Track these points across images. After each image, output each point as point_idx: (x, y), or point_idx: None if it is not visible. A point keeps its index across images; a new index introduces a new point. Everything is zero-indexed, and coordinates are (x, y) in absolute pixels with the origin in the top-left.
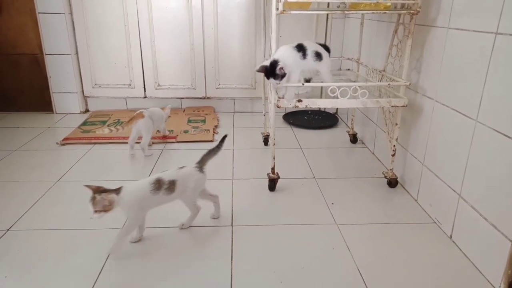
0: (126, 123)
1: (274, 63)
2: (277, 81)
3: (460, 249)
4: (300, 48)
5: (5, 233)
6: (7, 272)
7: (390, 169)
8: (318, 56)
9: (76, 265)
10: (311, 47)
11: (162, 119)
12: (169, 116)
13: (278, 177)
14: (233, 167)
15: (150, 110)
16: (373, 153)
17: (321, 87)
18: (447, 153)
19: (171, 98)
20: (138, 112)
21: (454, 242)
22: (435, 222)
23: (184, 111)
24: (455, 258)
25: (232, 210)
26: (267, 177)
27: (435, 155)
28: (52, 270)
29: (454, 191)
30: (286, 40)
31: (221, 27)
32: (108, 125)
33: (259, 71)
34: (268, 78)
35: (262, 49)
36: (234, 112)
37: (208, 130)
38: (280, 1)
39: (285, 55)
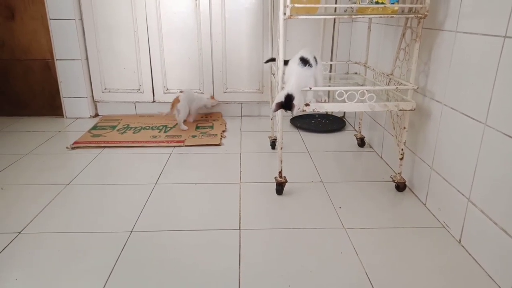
0: (171, 109)
1: (289, 97)
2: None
3: (469, 254)
4: (304, 61)
5: (16, 235)
6: (18, 274)
7: (398, 173)
8: (315, 60)
9: (86, 268)
10: (309, 55)
11: (194, 102)
12: (213, 106)
13: (286, 181)
14: (240, 171)
15: (185, 93)
16: (381, 157)
17: (328, 91)
18: (456, 156)
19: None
20: (175, 97)
21: (463, 246)
22: (443, 226)
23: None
24: (464, 262)
25: (239, 213)
26: (274, 180)
27: (444, 158)
28: (63, 272)
29: (463, 195)
30: (293, 44)
31: (229, 32)
32: (117, 130)
33: (275, 110)
34: (285, 110)
35: (269, 53)
36: (241, 116)
37: (216, 134)
38: (288, 6)
39: (299, 80)
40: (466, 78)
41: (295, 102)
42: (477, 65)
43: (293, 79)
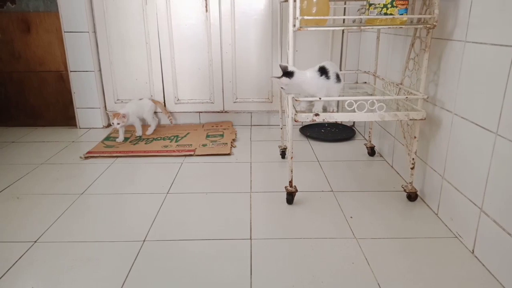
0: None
1: (288, 73)
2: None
3: (482, 264)
4: (323, 71)
5: (32, 244)
6: (34, 282)
7: (410, 183)
8: (337, 77)
9: (100, 277)
10: (331, 68)
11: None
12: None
13: (296, 190)
14: (250, 180)
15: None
16: (392, 166)
17: (338, 101)
18: (467, 166)
19: (190, 112)
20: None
21: (476, 257)
22: (456, 237)
23: (203, 127)
24: (478, 273)
25: (250, 223)
26: (285, 190)
27: (455, 168)
28: (77, 281)
29: (475, 205)
30: (302, 55)
31: (239, 43)
32: (130, 141)
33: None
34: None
35: (278, 63)
36: (251, 125)
37: (226, 143)
38: (297, 18)
39: (309, 82)
40: (476, 87)
41: (283, 80)
42: (487, 75)
43: (308, 74)
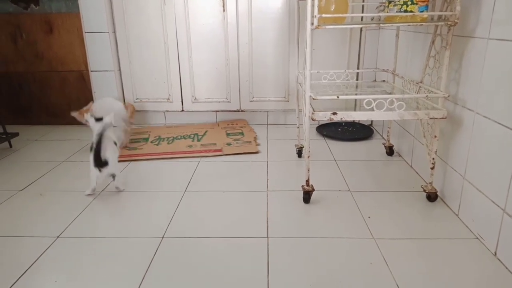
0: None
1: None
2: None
3: (505, 267)
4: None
5: (55, 240)
6: (57, 277)
7: (429, 183)
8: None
9: (120, 272)
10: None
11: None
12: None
13: (313, 189)
14: (267, 179)
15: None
16: (411, 166)
17: (355, 99)
18: (489, 166)
19: (207, 111)
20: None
21: (498, 259)
22: (477, 238)
23: (218, 125)
24: (500, 276)
25: (267, 221)
26: (301, 189)
27: (477, 168)
28: (99, 275)
29: (498, 206)
30: (320, 53)
31: (256, 42)
32: (151, 142)
33: None
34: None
35: (295, 62)
36: (267, 124)
37: (250, 141)
38: (315, 16)
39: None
40: (499, 86)
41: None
42: (510, 73)
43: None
